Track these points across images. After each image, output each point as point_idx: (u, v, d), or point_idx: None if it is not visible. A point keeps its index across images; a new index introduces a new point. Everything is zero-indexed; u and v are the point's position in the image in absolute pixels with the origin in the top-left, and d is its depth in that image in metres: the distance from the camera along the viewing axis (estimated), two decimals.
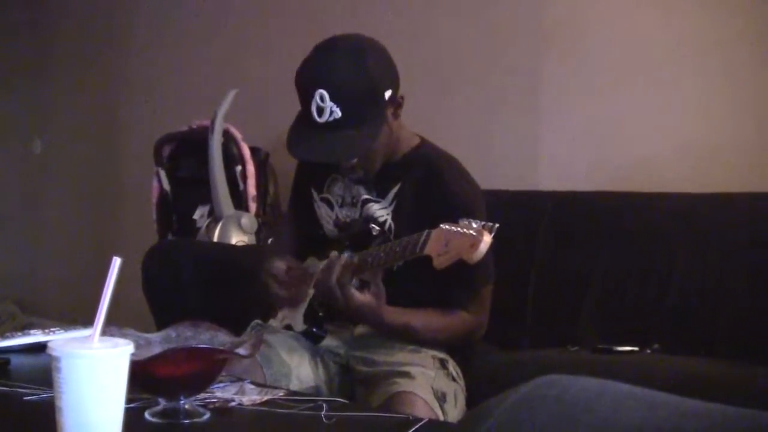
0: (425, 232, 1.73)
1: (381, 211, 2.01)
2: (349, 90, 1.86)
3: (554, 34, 3.00)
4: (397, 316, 1.91)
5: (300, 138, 1.92)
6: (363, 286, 1.87)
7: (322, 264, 1.97)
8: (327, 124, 1.86)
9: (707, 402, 0.63)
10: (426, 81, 3.14)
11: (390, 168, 2.03)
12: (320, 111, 1.86)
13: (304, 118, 1.91)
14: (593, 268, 2.55)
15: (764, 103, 2.62)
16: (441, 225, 1.70)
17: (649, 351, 2.29)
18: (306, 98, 1.89)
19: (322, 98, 1.85)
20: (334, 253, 1.92)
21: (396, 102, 1.95)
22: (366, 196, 2.03)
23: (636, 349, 2.28)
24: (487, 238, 1.61)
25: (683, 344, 2.29)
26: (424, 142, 2.10)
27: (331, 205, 2.10)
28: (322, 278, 1.87)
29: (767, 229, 2.37)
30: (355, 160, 1.95)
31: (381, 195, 2.03)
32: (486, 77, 3.16)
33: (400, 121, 2.01)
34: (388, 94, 1.91)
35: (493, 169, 2.87)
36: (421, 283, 1.95)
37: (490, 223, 1.64)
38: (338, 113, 1.85)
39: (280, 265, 2.03)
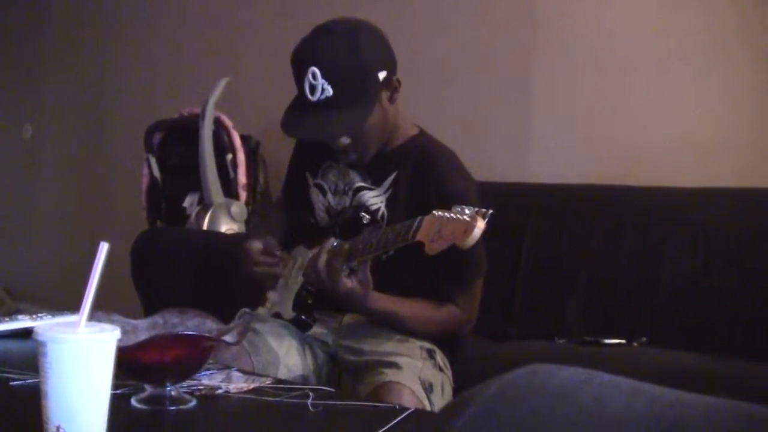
0: (417, 219, 1.72)
1: (375, 199, 2.01)
2: (340, 68, 1.87)
3: (547, 25, 3.00)
4: (385, 303, 1.91)
5: (292, 117, 1.93)
6: (351, 274, 1.87)
7: (313, 252, 1.98)
8: (319, 102, 1.87)
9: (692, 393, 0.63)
10: (417, 74, 3.13)
11: (386, 156, 2.03)
12: (312, 89, 1.87)
13: (297, 99, 1.93)
14: (582, 260, 2.56)
15: (757, 97, 2.63)
16: (433, 211, 1.69)
17: (636, 344, 2.29)
18: (299, 76, 1.89)
19: (314, 76, 1.86)
20: (330, 240, 1.91)
21: (391, 85, 1.96)
22: (360, 184, 2.03)
23: (623, 341, 2.29)
24: (480, 224, 1.60)
25: (671, 338, 2.30)
26: (422, 132, 2.10)
27: (323, 192, 2.10)
28: (312, 261, 1.88)
29: (755, 225, 2.38)
30: (348, 141, 1.95)
31: (376, 183, 2.03)
32: (478, 69, 3.16)
33: (397, 107, 2.01)
34: (382, 75, 1.92)
35: (484, 160, 2.86)
36: (411, 274, 1.95)
37: (484, 210, 1.63)
38: (329, 91, 1.86)
39: (255, 245, 2.04)
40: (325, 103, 1.87)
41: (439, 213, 1.67)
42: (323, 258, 1.85)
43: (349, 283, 1.83)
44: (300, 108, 1.91)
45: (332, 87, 1.86)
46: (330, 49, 1.88)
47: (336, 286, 1.83)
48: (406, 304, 1.95)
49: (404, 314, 1.93)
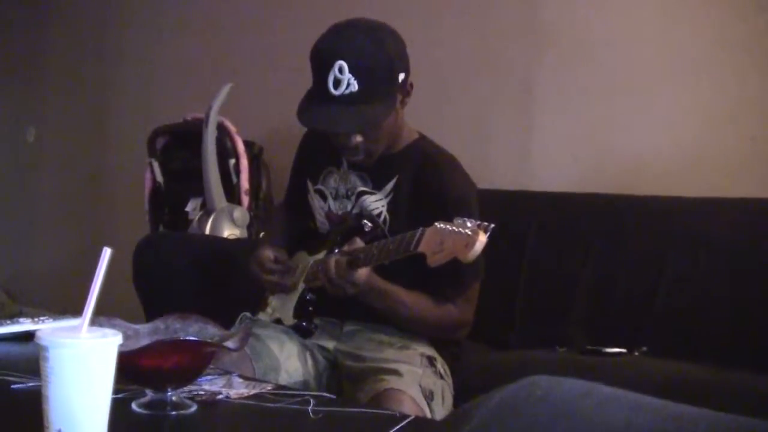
0: (419, 231, 1.72)
1: (377, 203, 2.01)
2: (368, 63, 1.86)
3: (549, 34, 3.01)
4: (391, 287, 1.91)
5: (312, 108, 1.91)
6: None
7: (315, 258, 1.98)
8: (342, 96, 1.85)
9: (692, 406, 0.63)
10: (420, 81, 3.13)
11: (388, 160, 2.03)
12: (337, 83, 1.85)
13: (316, 92, 1.90)
14: (583, 269, 2.56)
15: (758, 108, 2.63)
16: (435, 224, 1.69)
17: (637, 353, 2.29)
18: (323, 70, 1.87)
19: (341, 69, 1.84)
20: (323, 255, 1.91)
21: (406, 88, 1.96)
22: (362, 188, 2.03)
23: (624, 351, 2.29)
24: (482, 238, 1.60)
25: (671, 347, 2.30)
26: (422, 137, 2.11)
27: (324, 197, 2.10)
28: (326, 277, 1.86)
29: (756, 235, 2.38)
30: (360, 140, 1.94)
31: (377, 187, 2.03)
32: (480, 77, 3.16)
33: (403, 112, 2.01)
34: (401, 76, 1.92)
35: (486, 168, 2.87)
36: (410, 275, 1.94)
37: (485, 223, 1.63)
38: (355, 86, 1.84)
39: (267, 254, 2.04)
40: (349, 97, 1.85)
41: (441, 225, 1.67)
42: (334, 258, 1.85)
43: (363, 274, 1.83)
44: (320, 100, 1.89)
45: (358, 82, 1.84)
46: (358, 43, 1.88)
47: (356, 285, 1.83)
48: (410, 293, 1.95)
49: (410, 303, 1.93)
